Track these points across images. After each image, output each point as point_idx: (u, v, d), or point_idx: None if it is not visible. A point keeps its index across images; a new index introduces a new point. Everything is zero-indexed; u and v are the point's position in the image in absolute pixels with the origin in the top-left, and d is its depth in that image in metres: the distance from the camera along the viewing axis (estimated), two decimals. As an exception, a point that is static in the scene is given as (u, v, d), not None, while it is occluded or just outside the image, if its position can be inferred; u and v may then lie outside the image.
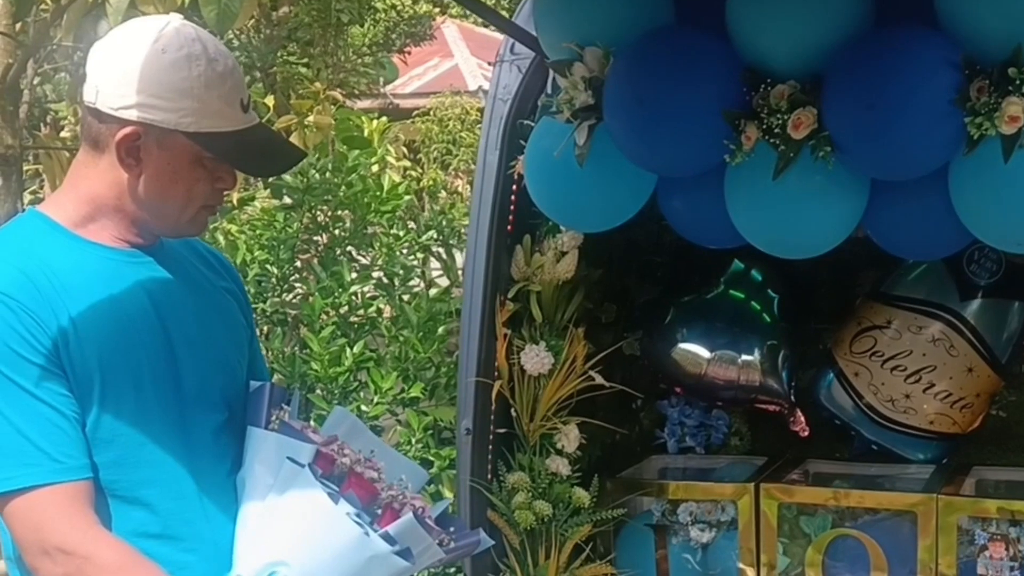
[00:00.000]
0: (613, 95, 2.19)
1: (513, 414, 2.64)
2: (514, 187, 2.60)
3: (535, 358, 2.59)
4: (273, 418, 1.76)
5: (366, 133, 5.17)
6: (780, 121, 2.06)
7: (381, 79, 10.44)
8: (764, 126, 2.08)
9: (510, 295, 2.62)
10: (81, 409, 1.63)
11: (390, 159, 5.44)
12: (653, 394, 3.20)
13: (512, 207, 2.62)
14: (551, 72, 2.45)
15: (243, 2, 2.23)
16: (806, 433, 3.02)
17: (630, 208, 2.37)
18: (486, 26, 14.64)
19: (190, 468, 1.72)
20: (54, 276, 1.65)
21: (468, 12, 14.65)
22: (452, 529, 1.81)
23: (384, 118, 5.37)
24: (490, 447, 2.60)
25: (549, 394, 2.61)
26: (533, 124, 2.49)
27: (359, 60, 8.52)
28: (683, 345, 3.04)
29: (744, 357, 3.00)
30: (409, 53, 9.62)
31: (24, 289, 1.62)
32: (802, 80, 2.07)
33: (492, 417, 2.58)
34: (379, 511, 1.74)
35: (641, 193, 2.35)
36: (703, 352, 3.02)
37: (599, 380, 2.63)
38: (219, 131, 1.67)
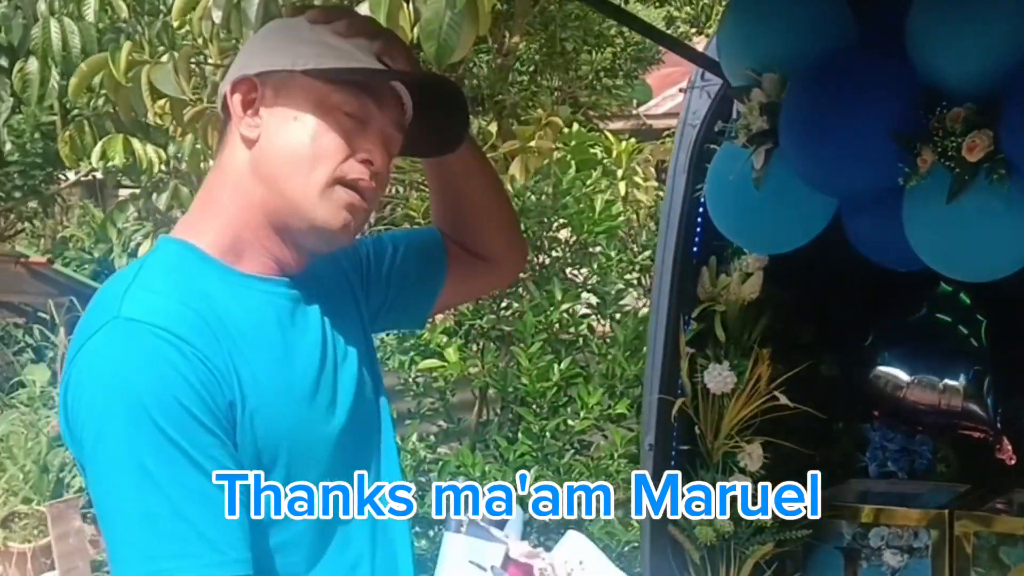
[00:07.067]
0: (788, 119, 2.21)
1: (697, 432, 2.68)
2: (701, 210, 2.66)
3: (718, 377, 2.63)
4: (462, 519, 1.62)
5: (613, 154, 5.28)
6: (955, 144, 2.04)
7: (634, 100, 10.52)
8: (939, 149, 2.06)
9: (694, 315, 2.67)
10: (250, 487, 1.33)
11: (637, 179, 5.52)
12: (857, 417, 3.17)
13: (699, 229, 2.68)
14: (736, 98, 2.49)
15: (460, 38, 2.36)
16: (1013, 461, 2.93)
17: (809, 230, 2.38)
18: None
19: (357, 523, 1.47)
20: (223, 315, 1.34)
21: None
22: None
23: (633, 139, 5.46)
24: (672, 463, 2.66)
25: (732, 413, 2.64)
26: (717, 148, 2.54)
27: (599, 83, 8.65)
28: (882, 368, 3.01)
29: (946, 382, 2.95)
30: (651, 71, 9.66)
31: (194, 328, 1.30)
32: (979, 102, 2.05)
33: (674, 433, 2.64)
34: None
35: (820, 215, 2.36)
36: (902, 375, 2.98)
37: (783, 400, 2.64)
38: (343, 67, 1.39)
